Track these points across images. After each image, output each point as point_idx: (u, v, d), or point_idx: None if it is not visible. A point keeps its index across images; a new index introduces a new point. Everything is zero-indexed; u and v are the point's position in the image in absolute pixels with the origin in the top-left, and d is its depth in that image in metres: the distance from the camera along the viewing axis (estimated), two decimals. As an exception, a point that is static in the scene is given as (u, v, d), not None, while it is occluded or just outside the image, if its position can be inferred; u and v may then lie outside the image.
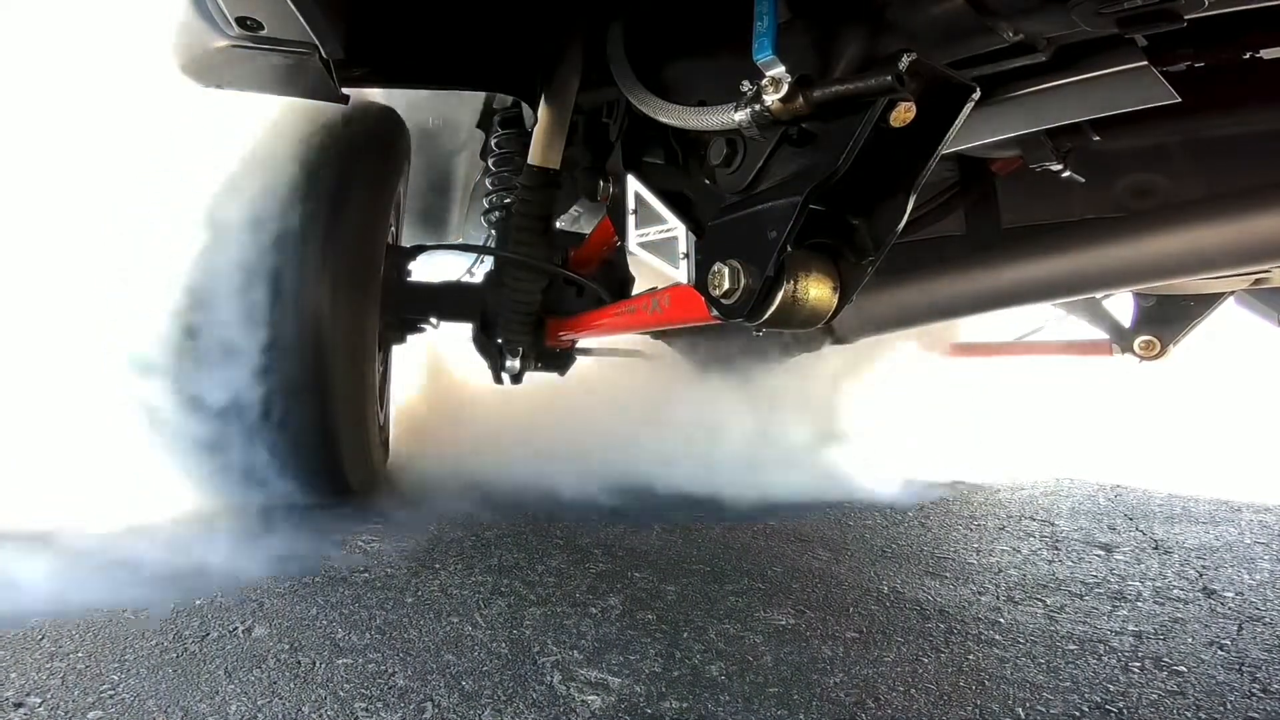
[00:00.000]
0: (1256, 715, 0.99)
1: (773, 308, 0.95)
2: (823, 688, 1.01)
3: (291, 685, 0.95)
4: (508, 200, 2.04)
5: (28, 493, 1.60)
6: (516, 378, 2.00)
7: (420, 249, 2.04)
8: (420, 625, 1.14)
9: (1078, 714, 0.98)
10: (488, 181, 2.18)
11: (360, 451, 1.74)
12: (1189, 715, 0.98)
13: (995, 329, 3.12)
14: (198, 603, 1.18)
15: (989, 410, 3.46)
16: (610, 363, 2.73)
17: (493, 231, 2.09)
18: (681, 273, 1.09)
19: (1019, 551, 1.69)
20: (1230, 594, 1.45)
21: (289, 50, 1.24)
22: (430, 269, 2.10)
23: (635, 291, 1.98)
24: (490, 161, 2.15)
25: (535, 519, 1.77)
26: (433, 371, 2.92)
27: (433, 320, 2.07)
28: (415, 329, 2.12)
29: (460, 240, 2.93)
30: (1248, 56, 1.13)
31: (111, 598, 1.18)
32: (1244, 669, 1.13)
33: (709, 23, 1.14)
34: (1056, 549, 1.71)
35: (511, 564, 1.43)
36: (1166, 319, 2.48)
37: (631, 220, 1.21)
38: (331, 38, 1.16)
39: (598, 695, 0.96)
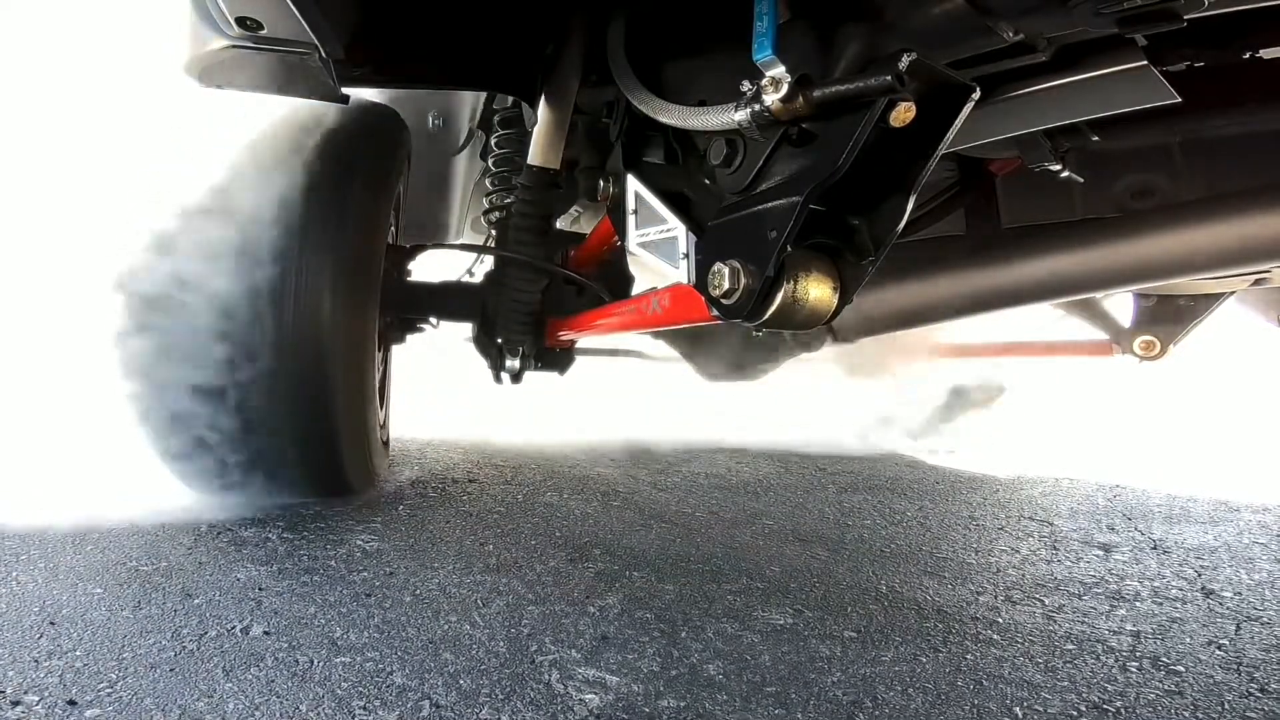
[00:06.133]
0: (1254, 715, 0.99)
1: (773, 308, 0.95)
2: (821, 687, 1.01)
3: (289, 684, 0.95)
4: (508, 200, 2.04)
5: (24, 491, 1.60)
6: (516, 377, 2.00)
7: (420, 248, 2.04)
8: (419, 624, 1.14)
9: (1075, 713, 0.98)
10: (488, 181, 2.18)
11: (360, 451, 1.74)
12: (1186, 715, 0.98)
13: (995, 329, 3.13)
14: (196, 601, 1.18)
15: (990, 410, 3.47)
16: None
17: (493, 231, 2.10)
18: (681, 273, 1.09)
19: (1018, 551, 1.69)
20: (1229, 594, 1.45)
21: (289, 50, 1.24)
22: (431, 269, 2.10)
23: (635, 291, 1.98)
24: (490, 161, 2.16)
25: (534, 518, 1.77)
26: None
27: (433, 320, 2.07)
28: (415, 329, 2.12)
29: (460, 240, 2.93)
30: (1248, 56, 1.13)
31: (109, 596, 1.18)
32: (1242, 669, 1.13)
33: (709, 22, 1.14)
34: (1055, 549, 1.71)
35: (510, 563, 1.43)
36: (1166, 319, 2.48)
37: (631, 220, 1.21)
38: (331, 38, 1.16)
39: (595, 694, 0.96)
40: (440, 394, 3.41)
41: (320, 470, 1.70)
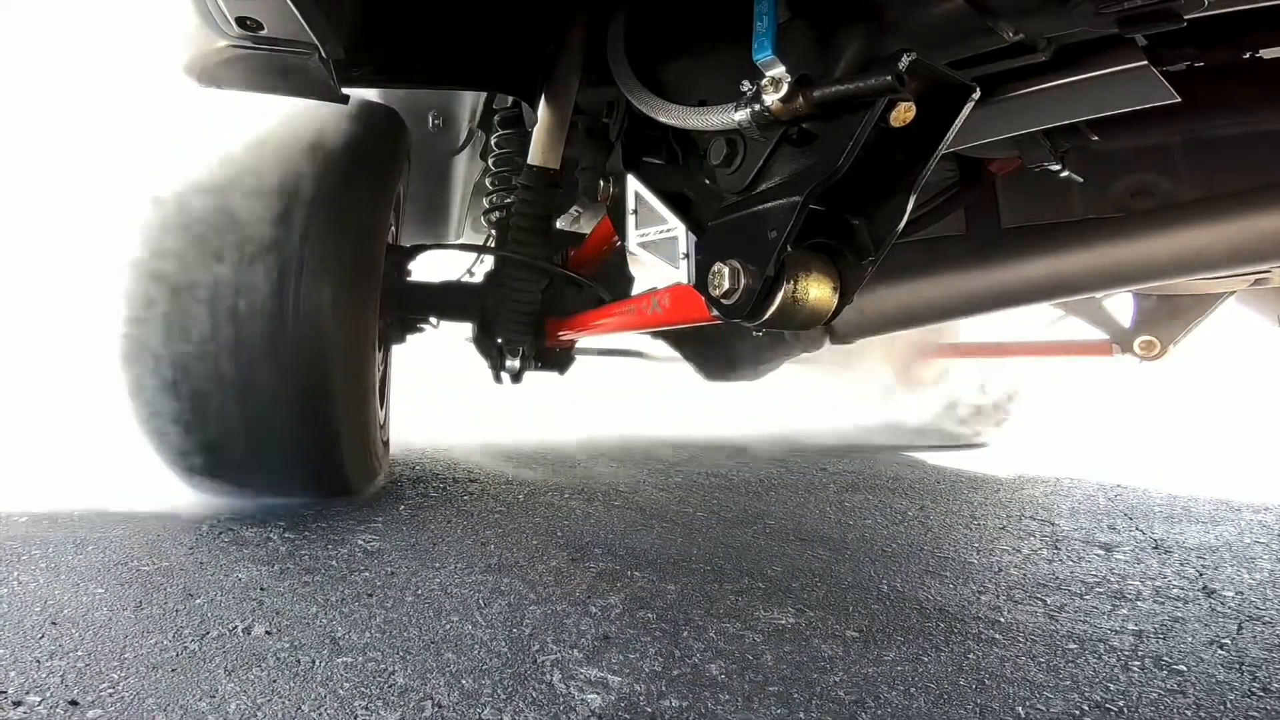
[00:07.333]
0: (1256, 714, 0.99)
1: (773, 308, 0.95)
2: (823, 686, 1.01)
3: (291, 684, 0.95)
4: (508, 200, 2.04)
5: (23, 492, 1.60)
6: (516, 377, 2.00)
7: (420, 249, 2.04)
8: (420, 624, 1.14)
9: (1078, 713, 0.98)
10: (488, 181, 2.18)
11: (360, 451, 1.74)
12: (1189, 714, 0.98)
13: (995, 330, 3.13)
14: (197, 601, 1.18)
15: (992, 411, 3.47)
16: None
17: (493, 231, 2.10)
18: (681, 273, 1.09)
19: (1019, 551, 1.69)
20: (1230, 593, 1.45)
21: (289, 50, 1.24)
22: (431, 269, 2.10)
23: (635, 291, 1.98)
24: (490, 161, 2.16)
25: (534, 516, 1.77)
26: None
27: (433, 320, 2.08)
28: (415, 329, 2.13)
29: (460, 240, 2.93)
30: (1248, 56, 1.13)
31: (111, 596, 1.18)
32: (1244, 668, 1.13)
33: (709, 22, 1.14)
34: (1057, 548, 1.71)
35: (511, 563, 1.43)
36: (1166, 319, 2.48)
37: (631, 220, 1.21)
38: (331, 38, 1.16)
39: (597, 694, 0.96)
40: (440, 394, 3.41)
41: (320, 470, 1.70)
